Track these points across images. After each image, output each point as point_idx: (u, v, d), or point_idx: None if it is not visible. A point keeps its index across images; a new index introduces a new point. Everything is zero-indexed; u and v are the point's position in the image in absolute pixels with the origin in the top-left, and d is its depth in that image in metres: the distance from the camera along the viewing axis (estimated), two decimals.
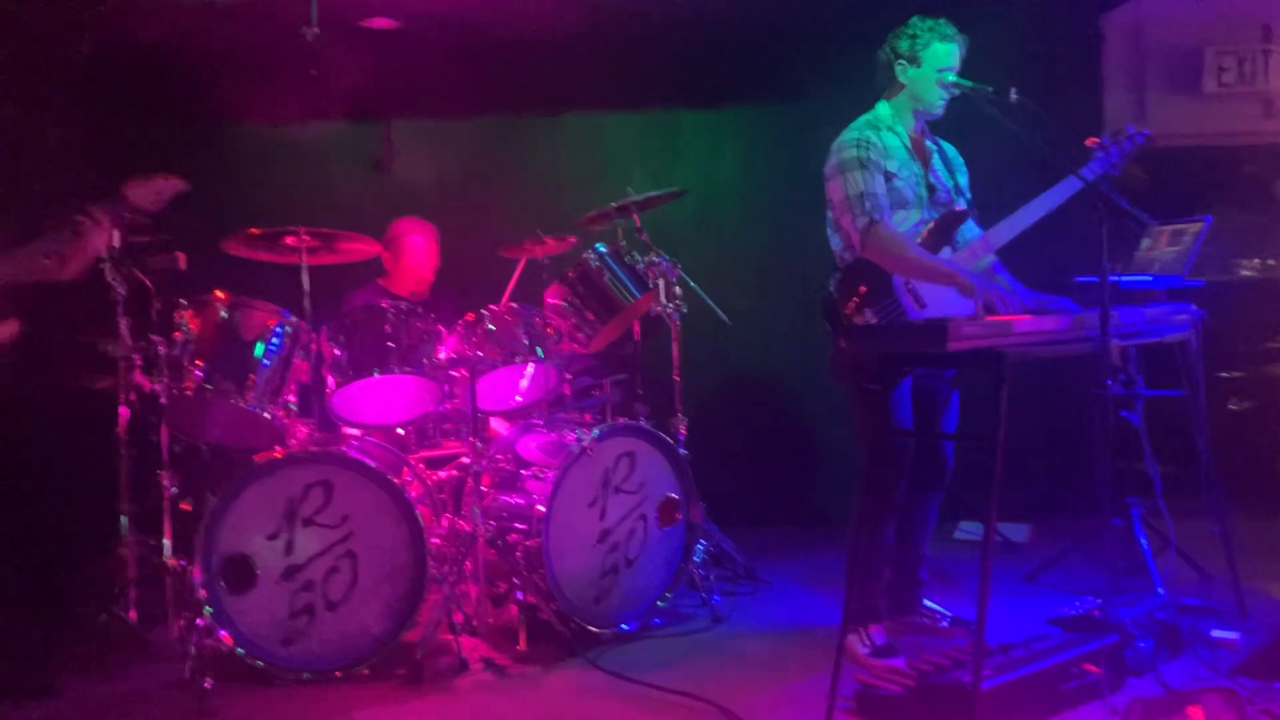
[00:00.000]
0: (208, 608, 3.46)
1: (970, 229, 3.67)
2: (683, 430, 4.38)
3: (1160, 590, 3.87)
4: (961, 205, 3.66)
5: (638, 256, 4.24)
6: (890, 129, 3.62)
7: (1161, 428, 4.31)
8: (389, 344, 3.85)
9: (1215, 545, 3.89)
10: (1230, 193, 5.90)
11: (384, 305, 3.97)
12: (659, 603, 4.05)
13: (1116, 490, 4.23)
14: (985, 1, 4.77)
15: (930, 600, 3.85)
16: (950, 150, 3.80)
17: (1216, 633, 3.48)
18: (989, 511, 2.83)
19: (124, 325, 3.78)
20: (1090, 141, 3.59)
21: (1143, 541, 4.15)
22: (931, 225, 3.57)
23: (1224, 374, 7.13)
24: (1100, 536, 4.08)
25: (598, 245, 4.16)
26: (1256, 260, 6.48)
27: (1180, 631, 3.45)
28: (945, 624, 3.77)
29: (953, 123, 3.68)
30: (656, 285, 4.27)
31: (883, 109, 3.67)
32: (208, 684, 3.32)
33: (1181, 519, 4.12)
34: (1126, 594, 3.77)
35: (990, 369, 2.79)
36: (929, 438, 3.60)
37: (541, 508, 3.79)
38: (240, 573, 3.50)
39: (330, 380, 3.85)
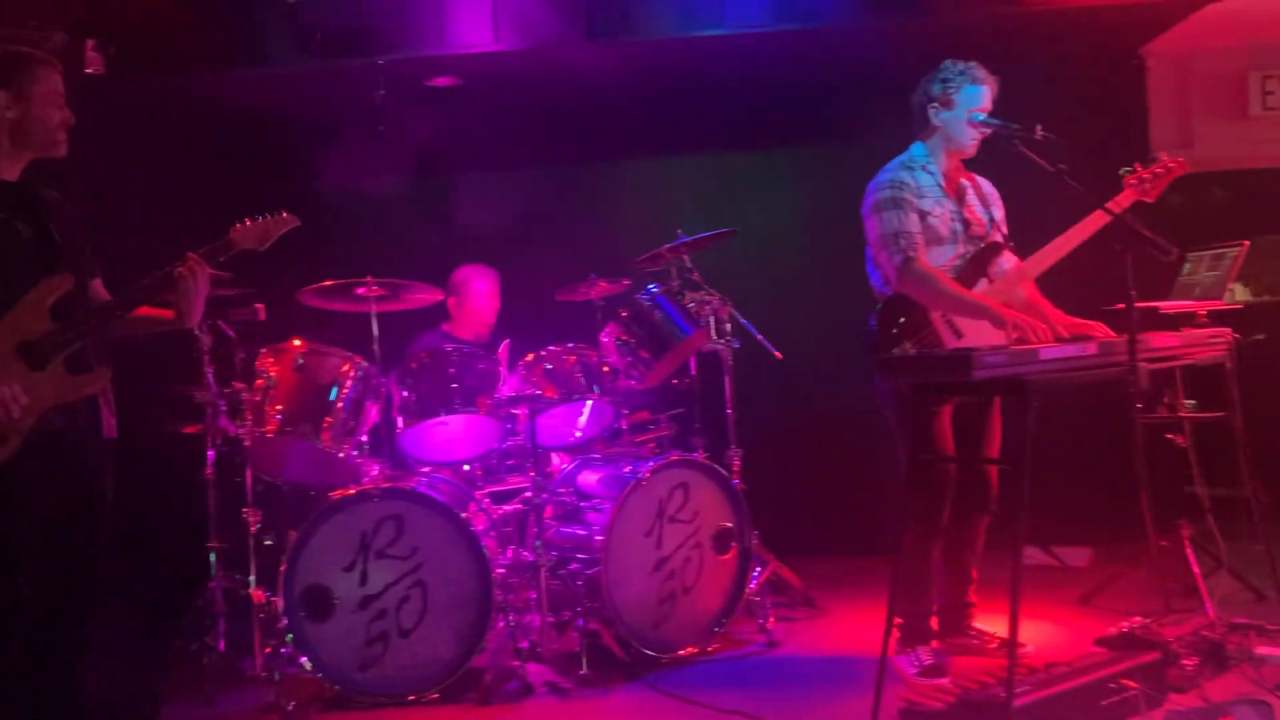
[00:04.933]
0: (289, 636, 3.71)
1: (1007, 260, 3.80)
2: (737, 462, 4.54)
3: (1210, 610, 3.91)
4: (996, 238, 3.80)
5: (689, 295, 4.43)
6: (924, 168, 3.77)
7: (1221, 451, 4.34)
8: (453, 385, 4.09)
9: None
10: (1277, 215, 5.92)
11: (447, 349, 4.21)
12: (716, 628, 4.19)
13: (1165, 512, 4.28)
14: (1033, 38, 4.88)
15: (980, 622, 3.94)
16: (986, 185, 3.94)
17: (1262, 650, 3.53)
18: (1019, 534, 2.94)
19: (209, 373, 4.05)
20: (1124, 173, 3.70)
21: (1193, 562, 4.18)
22: (968, 258, 3.72)
23: None
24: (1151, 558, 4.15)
25: (650, 285, 4.36)
26: None
27: (1225, 650, 3.50)
28: (995, 645, 3.85)
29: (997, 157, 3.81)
30: (708, 322, 4.45)
31: (917, 150, 3.82)
32: (290, 707, 3.56)
33: (1242, 541, 4.16)
34: (1175, 614, 3.83)
35: (1016, 396, 2.91)
36: (964, 463, 3.70)
37: (600, 538, 3.98)
38: (319, 603, 3.75)
39: (399, 421, 4.10)
